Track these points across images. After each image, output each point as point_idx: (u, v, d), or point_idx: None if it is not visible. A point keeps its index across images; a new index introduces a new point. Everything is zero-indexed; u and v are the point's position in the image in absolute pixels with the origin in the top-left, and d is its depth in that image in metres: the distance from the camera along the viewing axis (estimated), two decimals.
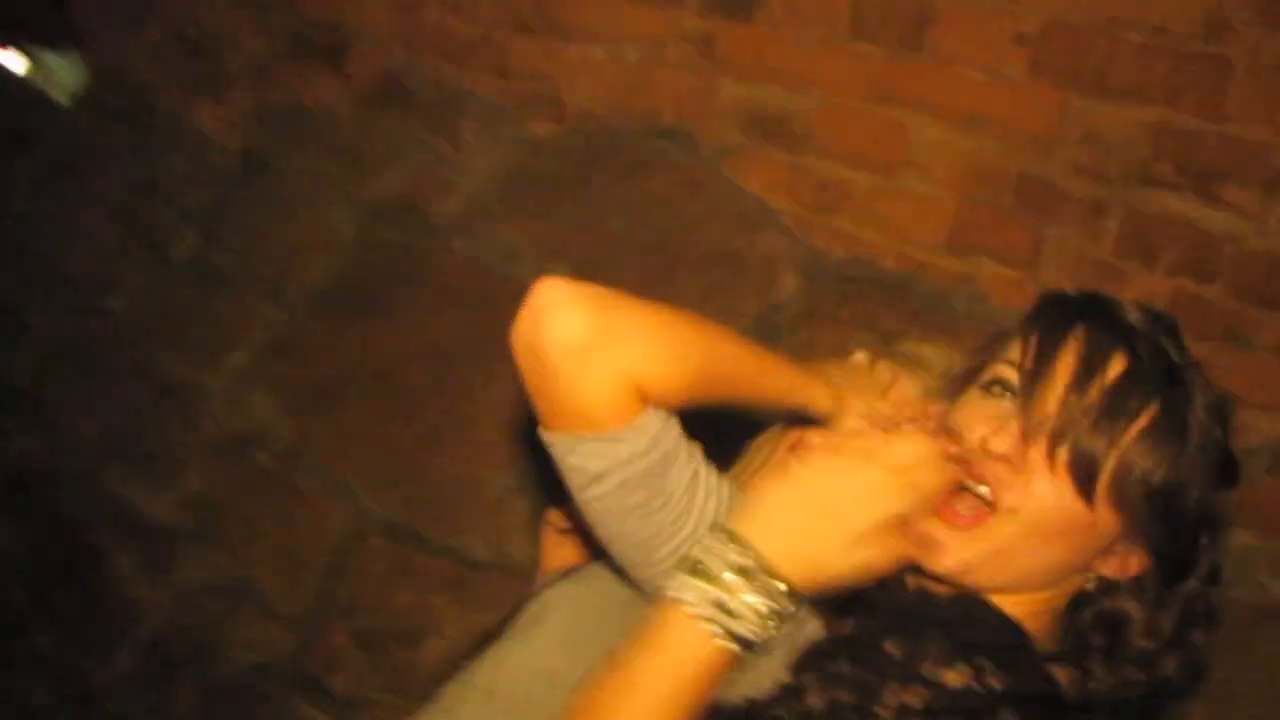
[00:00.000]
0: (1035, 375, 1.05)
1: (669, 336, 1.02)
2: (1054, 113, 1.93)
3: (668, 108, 2.17)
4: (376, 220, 2.34)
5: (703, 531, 1.01)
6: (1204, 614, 1.09)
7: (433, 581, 2.23)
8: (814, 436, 1.20)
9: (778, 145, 2.11)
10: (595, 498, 1.02)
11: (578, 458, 1.02)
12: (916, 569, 1.07)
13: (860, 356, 1.31)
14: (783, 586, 0.93)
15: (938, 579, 1.06)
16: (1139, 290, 1.88)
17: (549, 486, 1.12)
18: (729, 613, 0.92)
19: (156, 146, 2.48)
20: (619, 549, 1.06)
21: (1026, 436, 1.03)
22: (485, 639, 1.26)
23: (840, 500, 0.96)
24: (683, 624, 0.93)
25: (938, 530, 1.04)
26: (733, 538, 0.94)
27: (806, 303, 2.09)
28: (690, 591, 0.93)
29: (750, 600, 0.93)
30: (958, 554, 1.03)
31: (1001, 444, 1.03)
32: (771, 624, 0.93)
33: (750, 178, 2.14)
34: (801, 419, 1.22)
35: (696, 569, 0.94)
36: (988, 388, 1.09)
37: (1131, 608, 1.07)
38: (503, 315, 1.03)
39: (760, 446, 1.36)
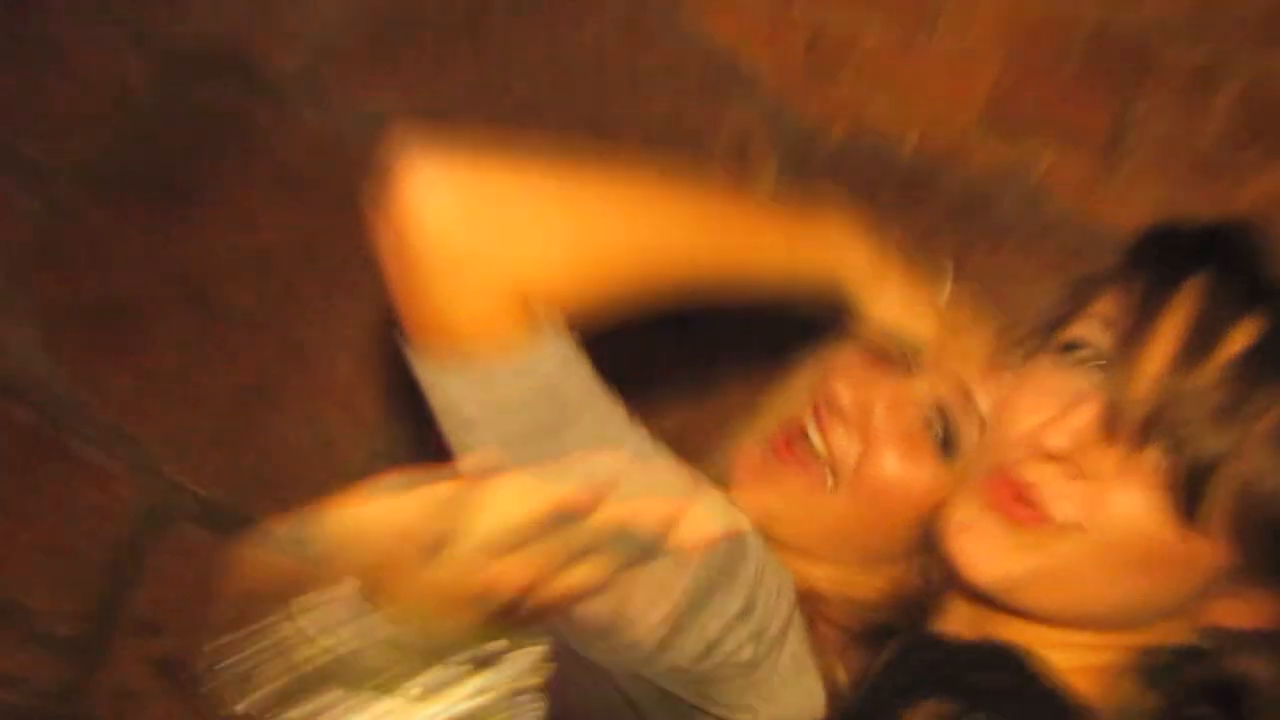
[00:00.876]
0: (1127, 339, 0.95)
1: (585, 228, 0.98)
2: None
3: None
4: (184, 74, 2.07)
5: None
6: None
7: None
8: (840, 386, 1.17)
9: None
10: (468, 426, 0.99)
11: (444, 395, 0.99)
12: (941, 595, 1.05)
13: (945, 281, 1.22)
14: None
15: (975, 598, 1.00)
16: (1259, 193, 1.71)
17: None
18: None
19: None
20: None
21: (1102, 426, 0.94)
22: None
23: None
24: None
25: (988, 524, 0.97)
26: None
27: (792, 199, 1.84)
28: None
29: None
30: (1000, 564, 0.96)
31: (1058, 438, 0.94)
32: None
33: (717, 24, 1.91)
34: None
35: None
36: (1064, 351, 1.00)
37: (1260, 669, 0.96)
38: (365, 210, 0.99)
39: (779, 394, 1.27)
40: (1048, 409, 0.97)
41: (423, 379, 1.00)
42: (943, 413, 1.12)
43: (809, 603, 1.12)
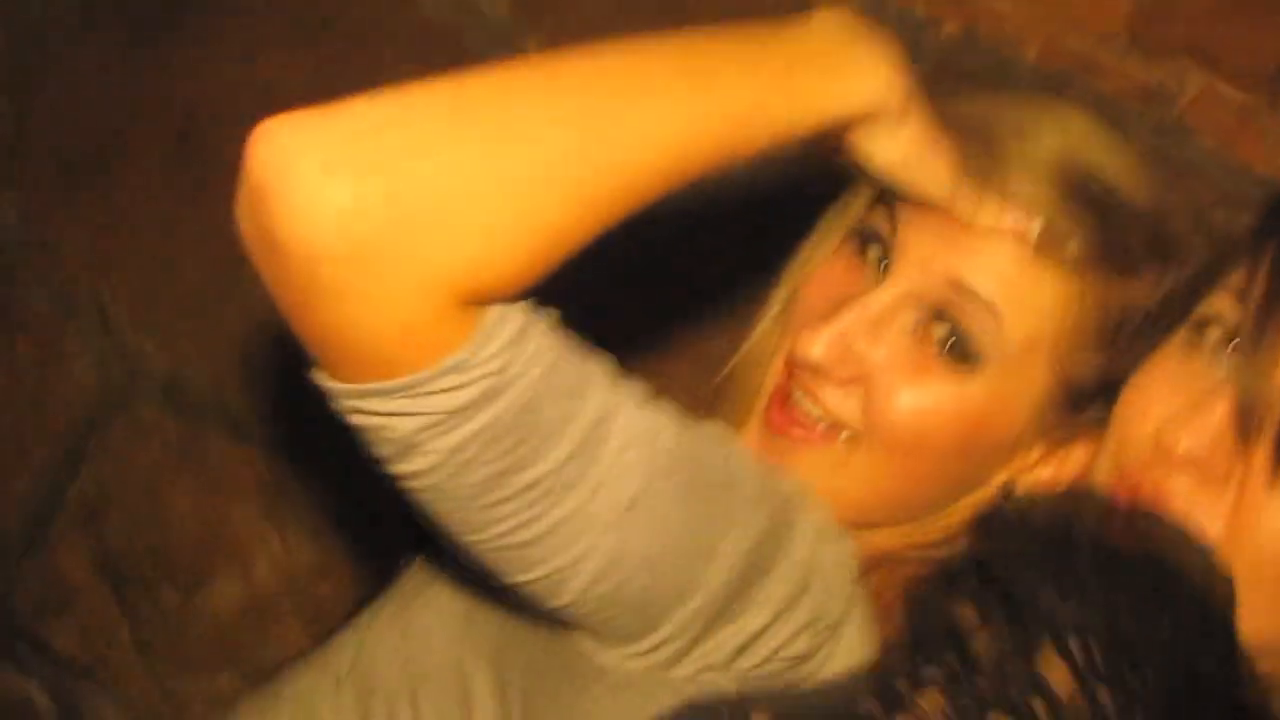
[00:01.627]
0: (1263, 319, 0.88)
1: (524, 166, 0.77)
2: None
3: None
4: None
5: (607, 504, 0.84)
6: None
7: (237, 481, 1.90)
8: None
9: None
10: (413, 475, 0.82)
11: (368, 420, 0.81)
12: None
13: None
14: None
15: None
16: None
17: None
18: None
19: None
20: (476, 546, 0.86)
21: (1239, 423, 0.87)
22: (360, 604, 1.15)
23: None
24: None
25: None
26: None
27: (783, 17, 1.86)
28: None
29: None
30: None
31: (1189, 439, 0.88)
32: None
33: None
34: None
35: None
36: (1197, 332, 0.94)
37: None
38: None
39: (749, 351, 1.14)
40: (1176, 403, 0.91)
41: (334, 404, 0.83)
42: (938, 314, 0.97)
43: (877, 566, 1.01)
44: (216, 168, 1.87)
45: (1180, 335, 0.95)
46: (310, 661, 1.10)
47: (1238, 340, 0.91)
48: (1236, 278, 0.93)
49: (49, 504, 1.95)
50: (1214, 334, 0.93)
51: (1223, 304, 0.93)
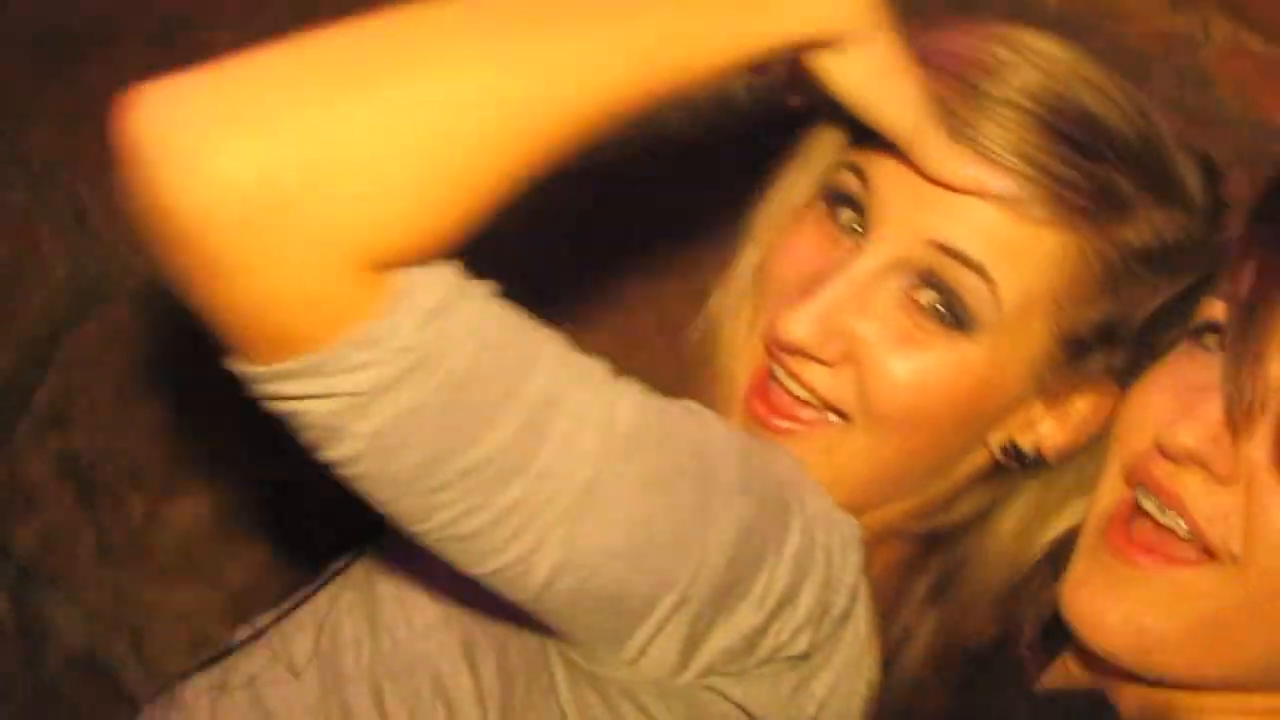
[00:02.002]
0: (1250, 314, 0.85)
1: (435, 112, 0.72)
2: None
3: None
4: None
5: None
6: None
7: (210, 392, 1.77)
8: None
9: None
10: (342, 463, 0.76)
11: (286, 403, 0.75)
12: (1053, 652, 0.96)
13: None
14: None
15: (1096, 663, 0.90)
16: None
17: None
18: None
19: None
20: (425, 536, 0.81)
21: (1241, 420, 0.83)
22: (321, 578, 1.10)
23: None
24: None
25: (1103, 571, 0.88)
26: None
27: None
28: None
29: None
30: (1136, 620, 0.85)
31: (1188, 437, 0.85)
32: None
33: None
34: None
35: None
36: (1194, 338, 0.93)
37: None
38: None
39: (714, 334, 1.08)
40: (1176, 407, 0.88)
41: (256, 395, 0.77)
42: (926, 279, 0.91)
43: (876, 545, 0.96)
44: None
45: (1180, 345, 0.93)
46: (255, 645, 1.04)
47: (1223, 337, 0.89)
48: (1227, 284, 0.91)
49: (15, 405, 1.90)
50: (1210, 339, 0.90)
51: (1216, 309, 0.90)
